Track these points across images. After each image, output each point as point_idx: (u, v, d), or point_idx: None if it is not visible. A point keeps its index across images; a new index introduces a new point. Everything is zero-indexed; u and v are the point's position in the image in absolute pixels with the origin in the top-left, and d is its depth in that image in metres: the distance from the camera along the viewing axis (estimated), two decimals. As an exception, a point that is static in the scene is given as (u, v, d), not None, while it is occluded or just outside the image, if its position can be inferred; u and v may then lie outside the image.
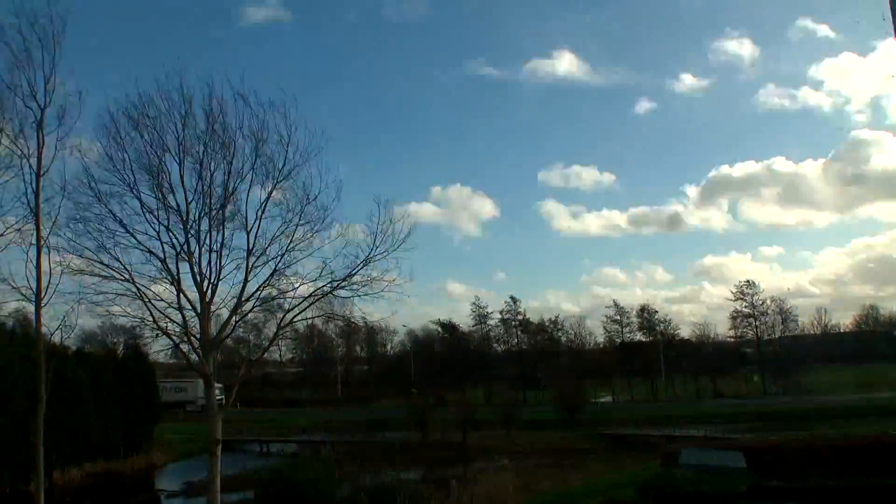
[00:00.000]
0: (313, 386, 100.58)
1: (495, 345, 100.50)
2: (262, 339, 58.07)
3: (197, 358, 17.50)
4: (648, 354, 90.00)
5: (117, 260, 16.29)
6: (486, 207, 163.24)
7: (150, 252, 16.65)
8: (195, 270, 16.87)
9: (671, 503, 17.34)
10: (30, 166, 14.75)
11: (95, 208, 15.90)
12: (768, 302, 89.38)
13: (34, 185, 14.75)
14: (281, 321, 18.85)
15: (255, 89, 16.55)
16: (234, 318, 17.69)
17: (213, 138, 16.34)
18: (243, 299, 17.46)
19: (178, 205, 16.52)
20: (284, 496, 22.45)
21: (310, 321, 27.68)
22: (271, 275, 17.40)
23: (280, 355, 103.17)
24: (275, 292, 17.93)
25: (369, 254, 17.28)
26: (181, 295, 16.87)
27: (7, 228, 14.85)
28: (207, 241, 16.94)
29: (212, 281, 17.04)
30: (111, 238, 16.17)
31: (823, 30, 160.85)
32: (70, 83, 15.12)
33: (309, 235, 17.34)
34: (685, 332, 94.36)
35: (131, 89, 16.01)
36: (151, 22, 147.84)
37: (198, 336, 17.03)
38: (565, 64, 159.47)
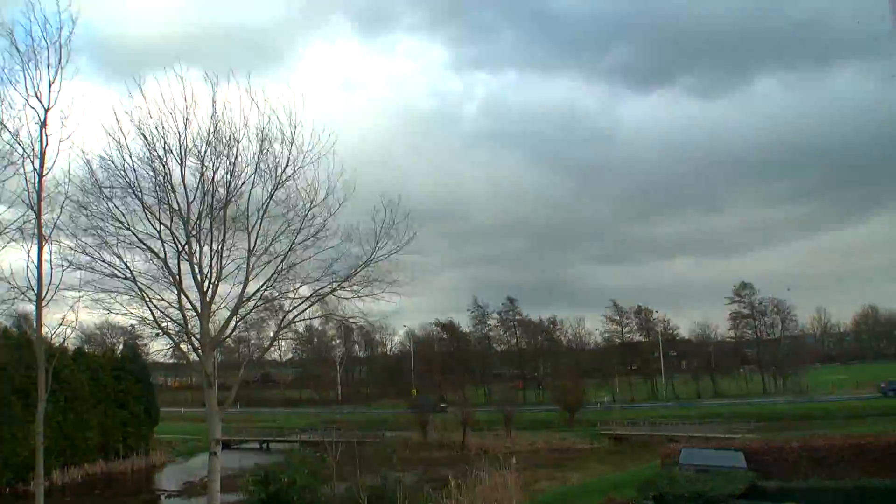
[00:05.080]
0: (313, 386, 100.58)
1: (495, 345, 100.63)
2: (262, 339, 57.96)
3: (197, 358, 17.49)
4: (648, 354, 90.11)
5: (119, 258, 16.30)
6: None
7: (152, 251, 16.65)
8: (196, 270, 16.85)
9: (671, 503, 17.30)
10: (32, 166, 14.78)
11: (96, 207, 15.90)
12: (766, 302, 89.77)
13: (36, 184, 14.77)
14: (281, 321, 18.86)
15: (262, 86, 16.50)
16: (234, 318, 17.67)
17: (217, 137, 16.30)
18: (244, 299, 17.45)
19: (179, 205, 16.50)
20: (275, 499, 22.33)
21: (310, 321, 27.73)
22: (273, 275, 17.38)
23: (280, 355, 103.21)
24: (276, 292, 17.92)
25: (371, 255, 17.25)
26: (182, 295, 16.86)
27: (6, 227, 14.86)
28: (209, 241, 16.93)
29: (212, 281, 17.03)
30: (113, 237, 16.18)
31: None
32: (75, 84, 15.11)
33: (312, 235, 17.30)
34: (685, 332, 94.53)
35: (134, 87, 15.95)
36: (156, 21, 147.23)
37: (198, 336, 17.03)
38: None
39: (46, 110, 14.79)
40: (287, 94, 16.38)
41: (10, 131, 14.56)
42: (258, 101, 16.21)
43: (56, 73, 14.70)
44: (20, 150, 14.66)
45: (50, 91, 14.75)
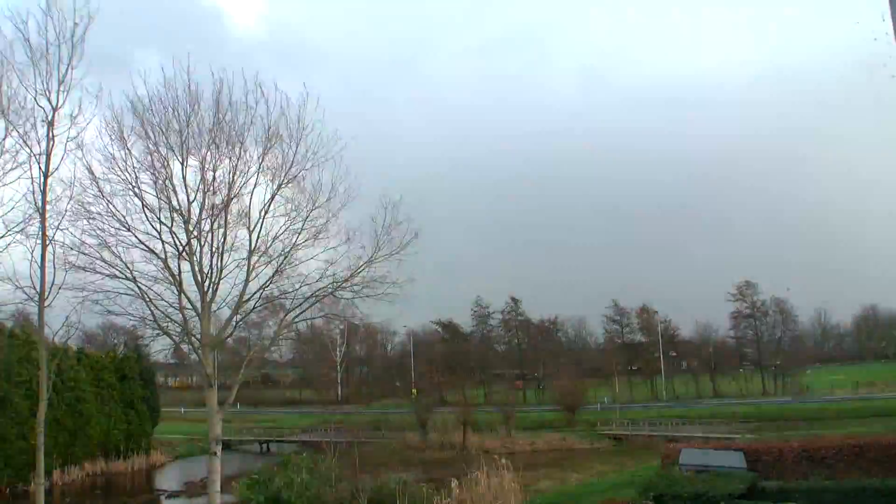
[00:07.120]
0: (314, 386, 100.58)
1: (495, 345, 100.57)
2: (262, 340, 57.96)
3: (197, 358, 17.50)
4: (648, 354, 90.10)
5: (119, 259, 16.30)
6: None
7: (152, 251, 16.65)
8: (196, 270, 16.86)
9: (671, 503, 17.34)
10: (38, 166, 14.72)
11: (98, 206, 15.91)
12: (768, 302, 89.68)
13: (41, 184, 14.72)
14: (282, 321, 18.87)
15: (269, 86, 16.32)
16: (234, 317, 17.68)
17: (220, 136, 16.29)
18: (244, 299, 17.45)
19: (179, 204, 16.51)
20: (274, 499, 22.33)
21: (310, 321, 27.71)
22: (273, 275, 17.39)
23: (280, 355, 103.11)
24: (276, 292, 17.93)
25: (372, 255, 17.25)
26: (182, 295, 16.87)
27: (8, 230, 14.82)
28: (209, 241, 16.94)
29: (213, 280, 17.04)
30: (113, 236, 16.18)
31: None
32: (83, 84, 14.95)
33: (313, 236, 17.32)
34: (686, 332, 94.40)
35: (138, 84, 15.92)
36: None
37: (198, 336, 17.04)
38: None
39: (54, 109, 14.69)
40: (299, 92, 16.35)
41: (18, 132, 14.48)
42: (268, 98, 16.17)
43: (66, 71, 14.54)
44: (27, 152, 14.59)
45: (59, 90, 14.64)
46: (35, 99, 14.53)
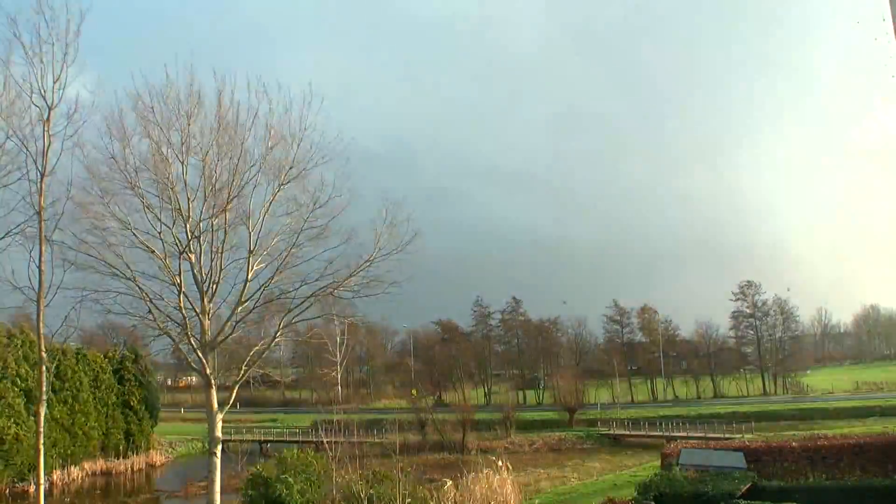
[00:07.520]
0: (313, 386, 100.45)
1: (495, 345, 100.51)
2: (262, 339, 57.83)
3: (197, 358, 17.48)
4: (649, 354, 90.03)
5: (120, 258, 16.27)
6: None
7: (152, 251, 16.62)
8: (196, 270, 16.85)
9: (671, 503, 17.33)
10: (36, 166, 14.66)
11: (98, 207, 15.87)
12: (769, 302, 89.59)
13: (39, 184, 14.66)
14: (282, 321, 18.86)
15: (273, 84, 16.34)
16: (234, 317, 17.67)
17: (222, 136, 16.25)
18: (244, 299, 17.43)
19: (180, 204, 16.48)
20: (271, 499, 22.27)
21: (310, 321, 27.69)
22: (273, 275, 17.37)
23: (280, 355, 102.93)
24: (277, 292, 17.91)
25: (372, 255, 17.23)
26: (182, 295, 16.85)
27: (7, 232, 14.74)
28: (209, 241, 16.92)
29: (213, 280, 17.03)
30: (114, 237, 16.16)
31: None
32: (79, 83, 14.91)
33: (313, 237, 17.29)
34: (686, 332, 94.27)
35: (140, 84, 15.86)
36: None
37: (198, 336, 17.02)
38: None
39: (50, 109, 14.62)
40: (301, 92, 16.30)
41: (18, 136, 14.42)
42: (269, 98, 16.13)
43: (61, 70, 14.46)
44: (25, 152, 14.53)
45: (54, 89, 14.58)
46: (31, 98, 14.46)
